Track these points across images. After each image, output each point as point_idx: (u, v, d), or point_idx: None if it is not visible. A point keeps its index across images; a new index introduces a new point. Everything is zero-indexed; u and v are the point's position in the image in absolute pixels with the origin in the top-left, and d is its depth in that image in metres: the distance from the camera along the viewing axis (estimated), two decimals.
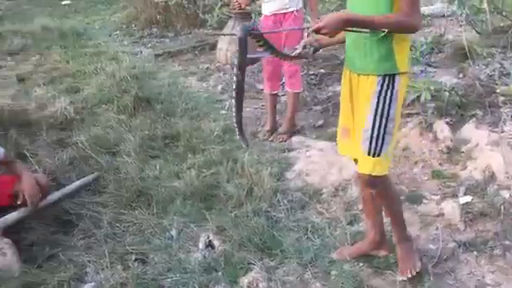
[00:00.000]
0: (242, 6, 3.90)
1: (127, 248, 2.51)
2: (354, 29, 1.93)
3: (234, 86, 2.08)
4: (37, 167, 3.14)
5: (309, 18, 4.23)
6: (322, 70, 4.92)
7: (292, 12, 3.56)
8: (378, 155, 2.02)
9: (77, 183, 3.03)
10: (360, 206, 2.78)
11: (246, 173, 3.07)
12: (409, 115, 3.60)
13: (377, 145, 2.01)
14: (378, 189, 2.16)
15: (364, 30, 1.92)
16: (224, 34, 5.78)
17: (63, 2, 10.35)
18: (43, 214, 2.73)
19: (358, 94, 2.09)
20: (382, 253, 2.43)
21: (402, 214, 2.35)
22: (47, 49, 6.50)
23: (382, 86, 1.98)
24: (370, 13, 1.90)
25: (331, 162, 3.27)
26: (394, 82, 1.98)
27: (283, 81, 4.10)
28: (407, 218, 2.71)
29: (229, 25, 5.36)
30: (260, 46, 2.21)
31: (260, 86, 4.83)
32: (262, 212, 2.76)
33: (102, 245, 2.55)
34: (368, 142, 2.02)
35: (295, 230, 2.65)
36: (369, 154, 2.03)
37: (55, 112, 4.14)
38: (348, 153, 2.29)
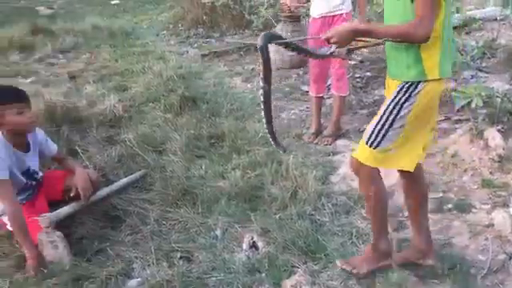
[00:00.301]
0: (292, 9, 3.89)
1: (173, 245, 2.55)
2: (363, 39, 2.00)
3: (262, 98, 2.21)
4: (87, 163, 3.23)
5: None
6: (369, 74, 4.87)
7: (341, 15, 3.53)
8: (376, 147, 2.05)
9: (124, 180, 3.10)
10: (406, 213, 2.74)
11: (291, 175, 3.06)
12: (458, 121, 3.52)
13: (377, 136, 2.04)
14: (362, 180, 2.19)
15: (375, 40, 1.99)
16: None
17: (113, 2, 10.62)
18: (93, 209, 2.81)
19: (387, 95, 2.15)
20: (429, 262, 2.37)
21: (382, 218, 2.29)
22: (97, 47, 6.68)
23: (401, 88, 2.02)
24: (399, 20, 1.95)
25: None
26: (415, 88, 2.00)
27: (329, 83, 4.08)
28: (455, 226, 2.68)
29: (278, 28, 5.39)
30: (291, 50, 2.24)
31: (305, 88, 4.82)
32: (306, 215, 2.75)
33: (149, 241, 2.59)
34: (370, 131, 2.06)
35: (339, 234, 2.63)
36: (367, 143, 2.07)
37: (104, 109, 4.26)
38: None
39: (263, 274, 2.34)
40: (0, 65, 5.93)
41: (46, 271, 2.34)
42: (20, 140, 2.65)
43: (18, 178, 2.63)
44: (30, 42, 6.71)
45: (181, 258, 2.48)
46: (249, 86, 5.25)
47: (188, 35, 7.72)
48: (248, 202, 2.92)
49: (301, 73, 5.30)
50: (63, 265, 2.37)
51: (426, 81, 1.99)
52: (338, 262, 2.31)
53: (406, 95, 2.01)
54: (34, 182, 2.79)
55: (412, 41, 1.94)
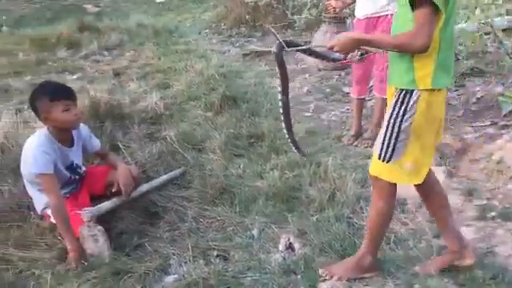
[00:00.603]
0: (337, 11, 3.84)
1: (210, 244, 2.57)
2: (367, 48, 2.07)
3: (281, 110, 2.32)
4: (129, 159, 3.29)
5: None
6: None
7: (386, 16, 3.45)
8: (388, 161, 2.06)
9: (164, 177, 3.15)
10: None
11: (329, 177, 3.03)
12: (505, 127, 3.41)
13: (387, 151, 2.05)
14: (376, 189, 2.19)
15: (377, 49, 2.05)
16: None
17: (157, 0, 10.79)
18: (133, 205, 2.87)
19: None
20: (468, 261, 2.30)
21: (379, 234, 2.28)
22: (141, 45, 6.81)
23: (397, 99, 2.02)
24: (401, 30, 1.98)
25: None
26: (410, 97, 1.99)
27: (371, 85, 4.03)
28: (499, 235, 2.59)
29: (322, 29, 5.36)
30: (308, 55, 2.25)
31: (346, 90, 4.78)
32: (343, 218, 2.71)
33: (186, 238, 2.62)
34: (380, 147, 2.07)
35: None
36: (379, 158, 2.08)
37: (146, 107, 4.33)
38: None
39: (299, 276, 2.32)
40: (48, 61, 6.12)
41: (86, 264, 2.40)
42: (65, 136, 2.73)
43: (62, 172, 2.71)
44: (77, 39, 6.90)
45: (217, 256, 2.50)
46: (289, 85, 5.22)
47: (230, 34, 7.76)
48: (285, 202, 2.91)
49: (343, 74, 5.25)
50: (103, 258, 2.43)
51: (420, 90, 1.98)
52: (320, 270, 2.30)
53: (404, 105, 2.00)
54: (77, 177, 2.86)
55: (410, 51, 1.94)
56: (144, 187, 2.97)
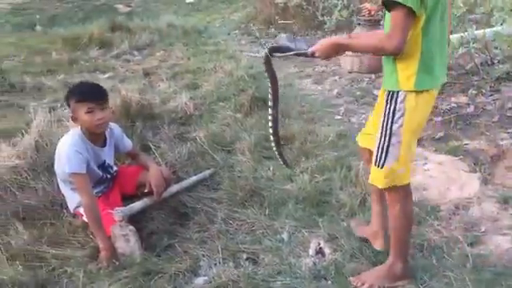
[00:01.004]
0: (372, 13, 3.78)
1: (239, 246, 2.56)
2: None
3: (270, 123, 2.39)
4: (159, 159, 3.31)
5: None
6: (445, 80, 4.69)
7: None
8: (382, 166, 2.06)
9: (194, 178, 3.15)
10: (483, 228, 2.63)
11: (360, 181, 2.99)
12: None
13: (381, 156, 2.06)
14: (392, 201, 2.17)
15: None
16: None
17: (187, 1, 10.87)
18: (163, 205, 2.87)
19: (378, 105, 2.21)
20: (377, 245, 2.46)
21: (404, 239, 2.25)
22: (171, 45, 6.88)
23: (386, 101, 2.03)
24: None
25: (451, 177, 3.11)
26: (397, 97, 1.99)
27: None
28: None
29: (356, 31, 5.31)
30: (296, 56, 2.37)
31: (376, 92, 4.71)
32: None
33: (215, 240, 2.61)
34: (375, 153, 2.09)
35: (409, 245, 2.54)
36: (375, 164, 2.10)
37: (176, 107, 4.36)
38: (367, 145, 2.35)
39: (329, 282, 2.30)
40: (81, 60, 6.23)
41: (117, 263, 2.42)
42: (97, 136, 2.75)
43: (95, 171, 2.74)
44: (109, 39, 7.01)
45: (247, 259, 2.48)
46: (319, 88, 5.20)
47: (259, 35, 7.76)
48: (315, 206, 2.89)
49: (373, 77, 5.19)
50: (134, 258, 2.44)
51: (405, 91, 1.97)
52: (351, 279, 2.28)
53: (392, 106, 2.00)
54: (108, 176, 2.89)
55: (384, 54, 1.98)
56: (174, 188, 2.98)
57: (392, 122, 2.01)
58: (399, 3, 1.79)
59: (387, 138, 2.03)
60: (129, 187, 2.91)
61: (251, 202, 2.94)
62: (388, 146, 2.03)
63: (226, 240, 2.62)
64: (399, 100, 1.98)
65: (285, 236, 2.65)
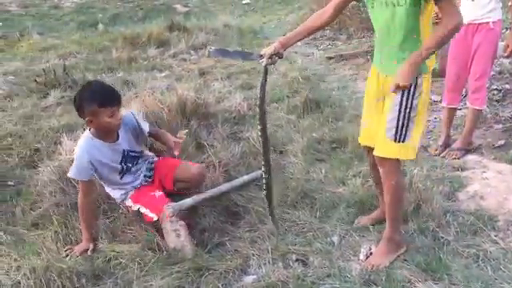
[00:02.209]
0: (440, 16, 3.70)
1: (289, 247, 2.56)
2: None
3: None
4: (213, 158, 3.36)
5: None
6: (507, 86, 4.52)
7: (487, 23, 3.29)
8: (403, 141, 2.24)
9: (245, 177, 3.18)
10: None
11: (414, 188, 2.93)
12: None
13: (401, 132, 2.23)
14: (389, 172, 2.33)
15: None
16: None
17: (243, 1, 10.95)
18: (215, 204, 2.92)
19: (384, 92, 2.31)
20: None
21: (401, 208, 2.45)
22: (226, 46, 6.94)
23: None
24: (400, 27, 2.14)
25: (511, 187, 2.99)
26: (417, 81, 2.16)
27: (464, 94, 3.86)
28: None
29: None
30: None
31: (433, 97, 4.60)
32: (428, 231, 2.62)
33: (266, 240, 2.63)
34: (394, 130, 2.23)
35: (464, 255, 2.47)
36: (395, 141, 2.24)
37: (230, 106, 4.41)
38: (367, 143, 2.52)
39: (380, 287, 2.28)
40: (139, 58, 6.41)
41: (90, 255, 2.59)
42: (108, 134, 2.79)
43: (110, 165, 2.81)
44: (167, 38, 7.18)
45: (296, 260, 2.49)
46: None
47: (314, 37, 7.72)
48: (367, 210, 2.85)
49: (431, 81, 5.07)
50: (185, 253, 2.50)
51: (424, 73, 2.18)
52: (364, 265, 2.42)
53: (412, 90, 2.16)
54: (135, 163, 2.94)
55: (454, 33, 2.13)
56: (225, 186, 3.02)
57: (413, 99, 2.18)
58: None
59: (407, 115, 2.20)
60: (167, 182, 2.97)
61: (302, 203, 2.95)
62: (408, 123, 2.21)
63: (275, 240, 2.64)
64: (419, 82, 2.17)
65: (335, 239, 2.64)
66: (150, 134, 3.06)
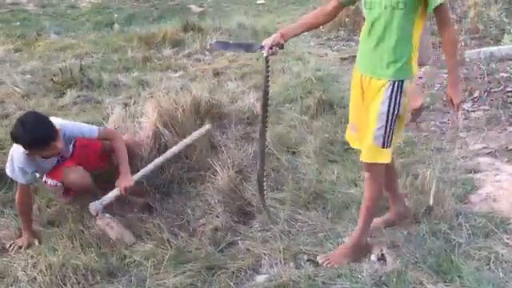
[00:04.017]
0: None
1: (301, 247, 2.59)
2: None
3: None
4: (227, 156, 3.38)
5: None
6: None
7: None
8: (389, 146, 2.31)
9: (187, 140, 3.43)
10: None
11: (426, 190, 2.93)
12: None
13: (388, 138, 2.29)
14: (376, 177, 2.41)
15: None
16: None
17: (258, 1, 10.96)
18: (228, 202, 2.93)
19: (368, 95, 2.34)
20: (408, 221, 2.73)
21: (373, 214, 2.51)
22: None
23: (392, 90, 2.23)
24: (395, 32, 2.18)
25: None
26: (402, 85, 2.23)
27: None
28: None
29: None
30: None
31: (444, 98, 4.59)
32: (440, 233, 2.62)
33: (277, 240, 2.66)
34: (382, 138, 2.28)
35: (476, 257, 2.47)
36: (383, 147, 2.30)
37: (243, 107, 4.44)
38: (357, 146, 2.54)
39: None
40: (154, 58, 6.46)
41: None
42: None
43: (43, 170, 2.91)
44: (181, 38, 7.21)
45: (308, 260, 2.51)
46: None
47: (328, 37, 7.71)
48: (379, 212, 2.85)
49: (444, 82, 5.04)
50: (128, 240, 2.69)
51: (408, 78, 2.25)
52: (318, 258, 2.50)
53: (399, 93, 2.22)
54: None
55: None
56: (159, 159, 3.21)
57: (398, 107, 2.24)
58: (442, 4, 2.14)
59: (394, 123, 2.26)
60: (90, 165, 3.05)
61: (314, 204, 2.97)
62: (392, 128, 2.27)
63: (287, 241, 2.66)
64: (404, 86, 2.23)
65: (347, 240, 2.65)
66: (102, 138, 3.04)
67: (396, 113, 2.25)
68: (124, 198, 2.94)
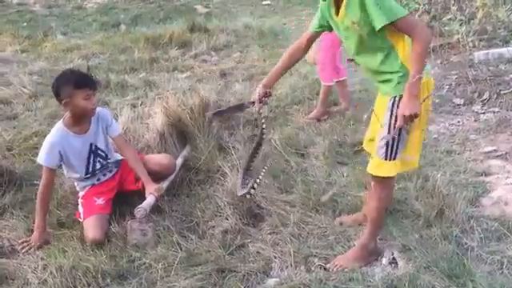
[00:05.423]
0: None
1: (311, 250, 2.57)
2: None
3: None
4: (235, 157, 3.37)
5: None
6: None
7: None
8: (394, 159, 2.28)
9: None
10: None
11: (437, 193, 2.91)
12: None
13: (392, 150, 2.26)
14: (384, 187, 2.39)
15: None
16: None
17: (264, 2, 10.93)
18: (237, 205, 2.92)
19: (378, 111, 2.39)
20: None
21: (382, 220, 2.53)
22: (247, 47, 6.97)
23: (393, 102, 2.22)
24: (376, 52, 2.20)
25: None
26: (399, 101, 2.19)
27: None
28: None
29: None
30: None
31: (457, 101, 4.57)
32: (452, 237, 2.60)
33: (288, 243, 2.64)
34: (384, 149, 2.26)
35: (488, 261, 2.45)
36: (386, 159, 2.28)
37: (251, 108, 4.41)
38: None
39: None
40: (161, 59, 6.46)
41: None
42: (83, 123, 2.89)
43: (79, 158, 2.92)
44: (188, 39, 7.21)
45: (318, 265, 2.50)
46: None
47: None
48: (389, 215, 2.84)
49: (453, 84, 5.02)
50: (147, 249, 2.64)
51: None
52: (327, 265, 2.47)
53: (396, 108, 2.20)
54: (103, 161, 3.02)
55: (428, 44, 2.16)
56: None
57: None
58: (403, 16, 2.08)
59: (396, 134, 2.22)
60: (129, 182, 3.09)
61: (324, 207, 2.95)
62: (398, 141, 2.24)
63: (298, 244, 2.64)
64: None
65: (356, 243, 2.64)
66: (116, 143, 3.08)
67: (397, 124, 2.19)
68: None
